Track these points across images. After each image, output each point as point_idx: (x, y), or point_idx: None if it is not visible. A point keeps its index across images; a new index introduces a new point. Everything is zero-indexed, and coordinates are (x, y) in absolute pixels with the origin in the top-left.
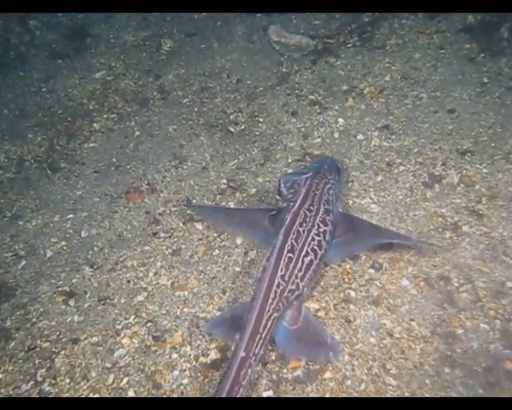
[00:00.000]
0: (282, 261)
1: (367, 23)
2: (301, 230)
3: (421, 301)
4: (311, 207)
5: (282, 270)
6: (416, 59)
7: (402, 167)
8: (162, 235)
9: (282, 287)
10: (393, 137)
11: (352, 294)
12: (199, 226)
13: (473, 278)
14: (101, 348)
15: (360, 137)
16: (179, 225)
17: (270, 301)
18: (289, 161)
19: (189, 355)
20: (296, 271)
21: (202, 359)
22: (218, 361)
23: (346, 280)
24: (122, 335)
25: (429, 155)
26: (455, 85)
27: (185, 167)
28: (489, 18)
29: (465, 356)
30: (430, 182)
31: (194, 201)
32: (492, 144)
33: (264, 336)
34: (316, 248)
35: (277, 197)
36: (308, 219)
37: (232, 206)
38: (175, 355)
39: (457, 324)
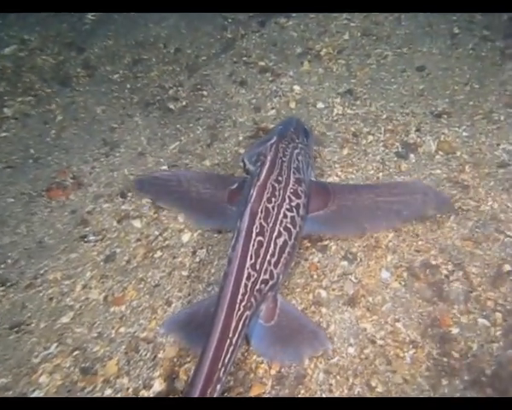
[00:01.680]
0: (250, 248)
1: None
2: (270, 206)
3: (406, 297)
4: (280, 178)
5: (251, 258)
6: (377, 13)
7: (370, 137)
8: (92, 238)
9: (253, 279)
10: (358, 102)
11: (323, 294)
12: (136, 224)
13: (464, 264)
14: (10, 393)
15: (320, 105)
16: (113, 224)
17: (239, 297)
18: (240, 138)
19: (127, 389)
20: (268, 256)
21: (144, 392)
22: (164, 394)
23: (315, 277)
24: (40, 371)
25: (400, 120)
26: (422, 39)
27: (118, 154)
28: None
29: (464, 362)
30: (404, 152)
31: (130, 194)
32: (471, 103)
33: (234, 341)
34: (289, 226)
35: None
36: (277, 193)
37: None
38: (108, 391)
39: (451, 321)
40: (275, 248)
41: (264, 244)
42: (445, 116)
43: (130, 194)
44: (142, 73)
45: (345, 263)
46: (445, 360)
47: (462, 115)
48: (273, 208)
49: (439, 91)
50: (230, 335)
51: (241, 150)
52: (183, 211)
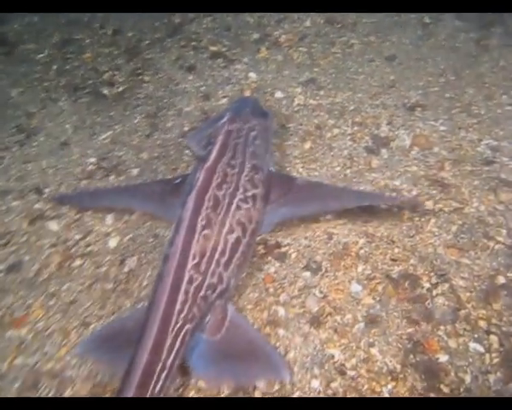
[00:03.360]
0: (194, 243)
1: None
2: (220, 194)
3: (382, 315)
4: (233, 162)
5: (195, 256)
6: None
7: (336, 130)
8: None
9: (196, 283)
10: (322, 93)
11: (281, 311)
12: (53, 226)
13: (449, 275)
14: None
15: (279, 94)
16: (22, 226)
17: (178, 307)
18: (185, 129)
19: None
20: (217, 255)
21: None
22: None
23: (271, 291)
24: None
25: (369, 112)
26: (391, 28)
27: (35, 144)
28: None
29: (456, 398)
30: (375, 146)
31: (48, 189)
32: (447, 95)
33: (169, 364)
34: (243, 220)
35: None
36: (229, 179)
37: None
38: None
39: (437, 345)
40: (225, 245)
41: (212, 240)
42: (420, 109)
43: (47, 190)
44: (72, 54)
45: (307, 274)
46: (432, 395)
47: (438, 108)
48: (224, 197)
49: (411, 83)
50: (164, 356)
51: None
52: (117, 203)
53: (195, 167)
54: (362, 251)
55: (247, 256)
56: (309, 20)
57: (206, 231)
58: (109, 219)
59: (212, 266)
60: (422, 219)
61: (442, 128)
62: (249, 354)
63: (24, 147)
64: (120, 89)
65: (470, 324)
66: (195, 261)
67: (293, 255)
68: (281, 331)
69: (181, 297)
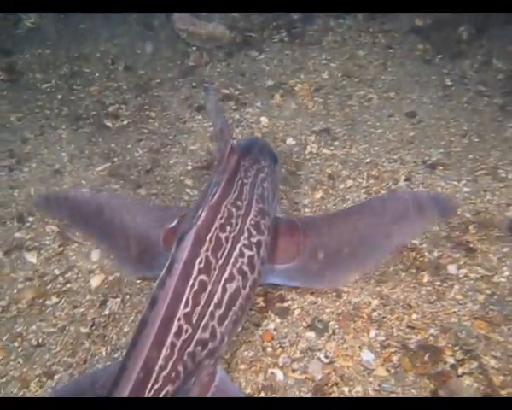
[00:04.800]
0: (188, 289)
1: (296, 20)
2: (223, 237)
3: (397, 391)
4: (239, 203)
5: (187, 304)
6: (360, 56)
7: (350, 182)
8: None
9: (185, 336)
10: (336, 143)
11: (279, 375)
12: (31, 258)
13: (477, 351)
14: None
15: (291, 141)
16: None
17: (160, 362)
18: (189, 168)
19: None
20: (212, 306)
21: None
22: None
23: (269, 350)
24: None
25: (386, 167)
26: (411, 87)
27: (26, 170)
28: (441, 19)
29: None
30: None
31: (32, 218)
32: (470, 156)
33: None
34: (245, 268)
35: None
36: (234, 221)
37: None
38: None
39: None
40: (223, 295)
41: (209, 288)
42: (441, 168)
43: (31, 219)
44: (79, 86)
45: (311, 334)
46: None
47: (460, 169)
48: (227, 240)
49: (432, 141)
50: None
51: (188, 181)
52: (100, 245)
53: (197, 202)
54: (375, 314)
55: (245, 312)
56: (326, 72)
57: (202, 277)
58: (95, 254)
59: (206, 318)
60: (445, 285)
61: (466, 189)
62: None
63: (13, 172)
64: (125, 122)
65: None
66: (187, 310)
67: (297, 312)
68: None
69: (165, 352)
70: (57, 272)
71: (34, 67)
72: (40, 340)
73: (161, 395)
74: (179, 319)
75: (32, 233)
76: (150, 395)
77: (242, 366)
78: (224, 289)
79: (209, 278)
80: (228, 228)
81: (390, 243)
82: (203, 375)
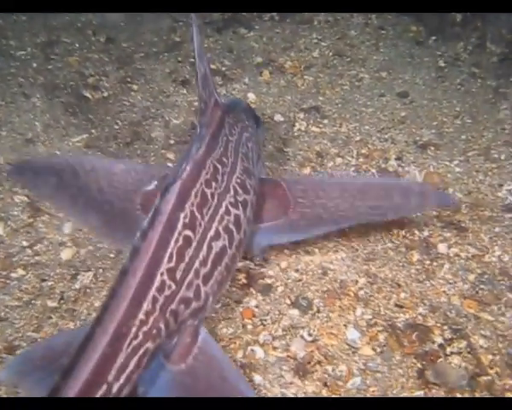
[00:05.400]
0: (172, 242)
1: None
2: (209, 192)
3: (384, 371)
4: (224, 160)
5: (171, 259)
6: (352, 36)
7: (339, 159)
8: None
9: (168, 292)
10: (326, 121)
11: (260, 353)
12: None
13: (466, 331)
14: None
15: (279, 117)
16: None
17: (140, 316)
18: (171, 142)
19: None
20: (197, 264)
21: None
22: None
23: (250, 328)
24: None
25: (377, 145)
26: (404, 67)
27: None
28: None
29: None
30: None
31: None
32: (463, 137)
33: (115, 390)
34: (232, 227)
35: None
36: (220, 178)
37: None
38: None
39: None
40: (208, 253)
41: (194, 244)
42: (432, 148)
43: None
44: (56, 56)
45: (295, 312)
46: None
47: (453, 149)
48: (212, 197)
49: (423, 121)
50: (111, 378)
51: (170, 155)
52: (75, 216)
53: (181, 158)
54: (362, 292)
55: (230, 273)
56: (317, 51)
57: (187, 232)
58: (67, 226)
59: (190, 275)
60: (434, 264)
61: (458, 169)
62: (218, 391)
63: None
64: (105, 94)
65: (493, 395)
66: (171, 265)
67: (280, 289)
68: (257, 378)
69: (146, 306)
70: (25, 243)
71: (8, 33)
72: (2, 314)
73: (140, 352)
74: (162, 274)
75: None
76: (128, 351)
77: (221, 343)
78: (210, 247)
79: (194, 235)
80: (213, 184)
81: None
82: (185, 335)
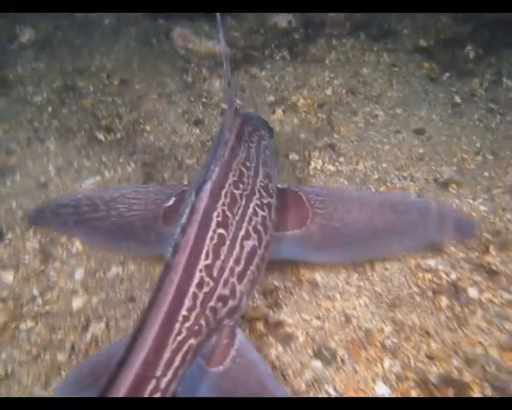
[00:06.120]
0: (207, 240)
1: (298, 40)
2: (237, 193)
3: None
4: (248, 164)
5: (207, 256)
6: (365, 74)
7: None
8: None
9: (207, 288)
10: (342, 159)
11: None
12: (7, 277)
13: (511, 389)
14: None
15: (293, 156)
16: None
17: (183, 312)
18: (185, 182)
19: None
20: (232, 262)
21: None
22: None
23: None
24: None
25: (396, 183)
26: (419, 104)
27: (8, 183)
28: (444, 39)
29: None
30: None
31: (11, 234)
32: (486, 174)
33: (163, 386)
34: (260, 228)
35: None
36: (246, 180)
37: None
38: None
39: None
40: (241, 252)
41: (227, 242)
42: (454, 185)
43: (10, 234)
44: (71, 100)
45: (318, 364)
46: None
47: (476, 186)
48: (241, 198)
49: (443, 158)
50: (159, 373)
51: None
52: (102, 243)
53: (205, 164)
54: (389, 341)
55: (260, 273)
56: (330, 89)
57: (221, 230)
58: (79, 273)
59: (226, 273)
60: (466, 310)
61: (483, 208)
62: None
63: None
64: (118, 136)
65: None
66: (208, 262)
67: (301, 339)
68: None
69: (188, 302)
70: (35, 292)
71: (26, 80)
72: (8, 370)
73: (184, 348)
74: (201, 270)
75: (10, 250)
76: (174, 347)
77: None
78: (242, 246)
79: (227, 233)
80: (241, 186)
81: (397, 245)
82: (223, 336)
